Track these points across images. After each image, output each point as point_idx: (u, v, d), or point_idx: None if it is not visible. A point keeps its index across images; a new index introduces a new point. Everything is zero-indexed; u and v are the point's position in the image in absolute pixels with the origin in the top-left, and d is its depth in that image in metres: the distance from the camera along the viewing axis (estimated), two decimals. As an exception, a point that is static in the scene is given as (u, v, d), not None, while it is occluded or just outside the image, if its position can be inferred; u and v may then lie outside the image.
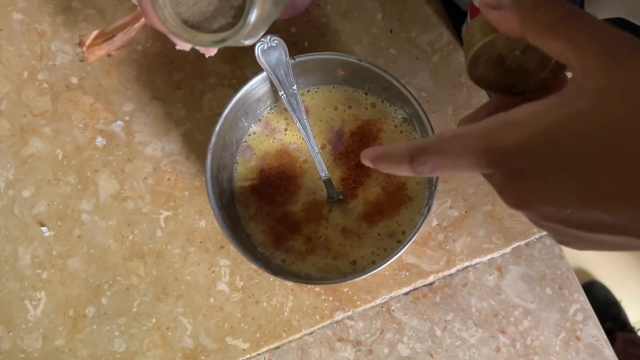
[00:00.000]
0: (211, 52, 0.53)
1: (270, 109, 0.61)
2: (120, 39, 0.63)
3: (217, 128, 0.55)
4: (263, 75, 0.56)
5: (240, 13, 0.39)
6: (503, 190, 0.30)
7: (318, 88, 0.61)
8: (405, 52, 0.64)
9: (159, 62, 0.66)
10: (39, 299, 0.63)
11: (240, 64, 0.65)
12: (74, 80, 0.67)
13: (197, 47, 0.49)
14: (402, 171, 0.32)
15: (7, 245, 0.64)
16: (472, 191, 0.61)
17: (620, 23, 0.44)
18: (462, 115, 0.62)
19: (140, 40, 0.66)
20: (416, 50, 0.64)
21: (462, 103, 0.62)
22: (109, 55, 0.67)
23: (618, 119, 0.25)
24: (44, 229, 0.64)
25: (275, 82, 0.56)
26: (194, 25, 0.40)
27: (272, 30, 0.52)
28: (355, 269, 0.57)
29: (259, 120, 0.61)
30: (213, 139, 0.55)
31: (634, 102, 0.24)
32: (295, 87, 0.56)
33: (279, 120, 0.61)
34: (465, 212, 0.61)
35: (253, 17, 0.38)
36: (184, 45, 0.50)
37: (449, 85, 0.63)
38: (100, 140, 0.65)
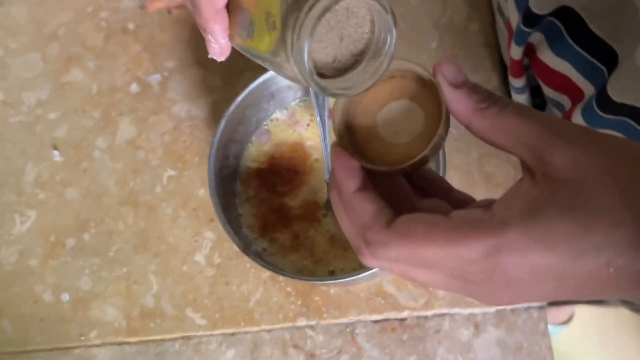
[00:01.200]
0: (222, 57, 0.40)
1: (300, 101, 0.61)
2: (181, -3, 0.65)
3: (239, 99, 0.55)
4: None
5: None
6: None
7: (352, 95, 0.60)
8: (449, 87, 0.62)
9: (213, 31, 0.67)
10: (29, 217, 0.64)
11: (286, 54, 0.65)
12: (131, 26, 0.69)
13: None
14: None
15: (19, 159, 0.66)
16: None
17: (564, 12, 0.42)
18: (486, 163, 0.60)
19: (202, 6, 0.68)
20: (460, 87, 0.62)
21: (489, 150, 0.60)
22: (169, 11, 0.69)
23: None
24: (55, 152, 0.65)
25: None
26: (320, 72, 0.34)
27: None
28: (332, 279, 0.55)
29: (286, 108, 0.61)
30: (232, 107, 0.55)
31: (610, 186, 0.24)
32: (326, 82, 0.56)
33: (304, 114, 0.61)
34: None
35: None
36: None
37: (482, 129, 0.61)
38: (135, 87, 0.67)
